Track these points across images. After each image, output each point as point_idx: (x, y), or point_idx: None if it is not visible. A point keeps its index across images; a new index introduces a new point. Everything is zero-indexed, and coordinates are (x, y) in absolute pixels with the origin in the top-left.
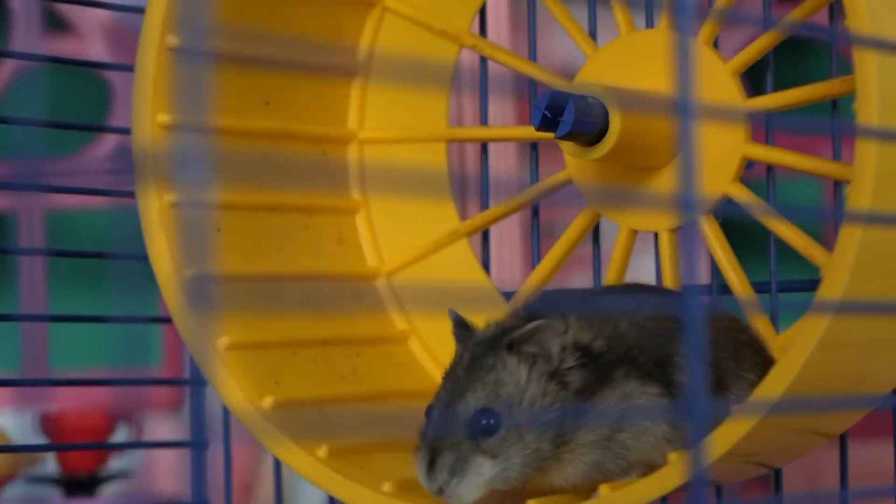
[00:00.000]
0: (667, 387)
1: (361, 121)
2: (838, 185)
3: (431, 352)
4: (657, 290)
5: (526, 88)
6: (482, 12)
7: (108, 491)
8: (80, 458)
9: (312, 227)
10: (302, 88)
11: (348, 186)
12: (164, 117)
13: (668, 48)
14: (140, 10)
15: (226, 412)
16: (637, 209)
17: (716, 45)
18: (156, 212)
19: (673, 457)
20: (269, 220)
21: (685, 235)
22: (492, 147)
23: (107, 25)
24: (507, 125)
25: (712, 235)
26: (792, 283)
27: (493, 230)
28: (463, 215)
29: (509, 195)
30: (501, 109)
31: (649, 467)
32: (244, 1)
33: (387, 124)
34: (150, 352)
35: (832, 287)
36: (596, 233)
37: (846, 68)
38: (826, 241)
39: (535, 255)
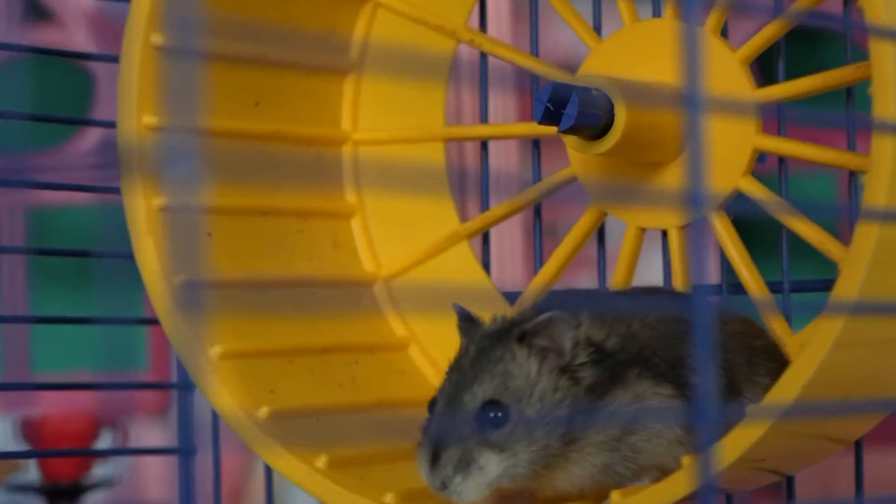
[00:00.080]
0: (680, 389)
1: (355, 121)
2: (854, 176)
3: (432, 359)
4: (669, 294)
5: (527, 83)
6: (482, 4)
7: (92, 499)
8: (63, 466)
9: (306, 231)
10: (293, 88)
11: (343, 188)
12: (150, 119)
13: (674, 38)
14: None
15: (215, 417)
16: (644, 206)
17: (724, 33)
18: (143, 216)
19: (686, 461)
20: (261, 225)
21: (694, 233)
22: (492, 144)
23: (90, 14)
24: (507, 121)
25: (723, 232)
26: (805, 283)
27: (493, 230)
28: (462, 215)
29: (511, 194)
30: (502, 105)
31: (661, 472)
32: None
33: (382, 124)
34: (135, 354)
35: (848, 286)
36: (601, 232)
37: (861, 54)
38: (843, 235)
39: (537, 256)
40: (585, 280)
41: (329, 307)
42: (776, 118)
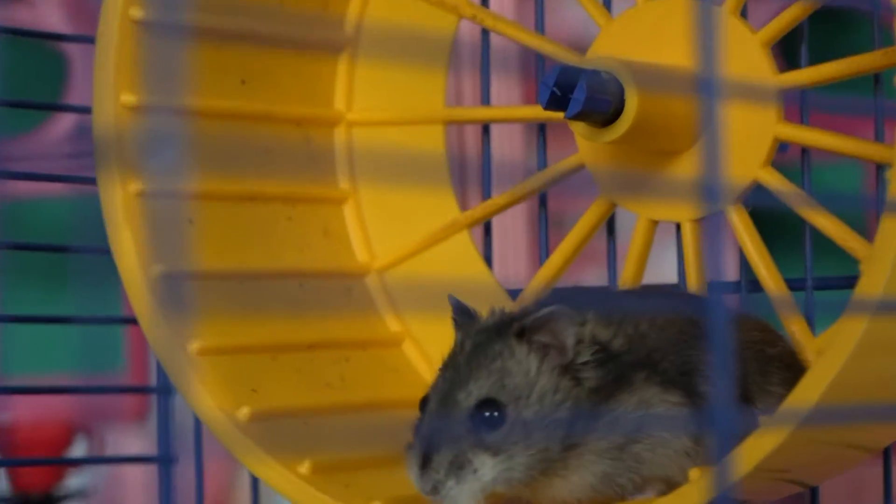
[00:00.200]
0: (689, 396)
1: (349, 101)
2: (881, 169)
3: (428, 356)
4: (682, 294)
5: (532, 64)
6: None
7: None
8: (35, 475)
9: (296, 218)
10: (283, 65)
11: (335, 173)
12: (128, 97)
13: (690, 18)
14: None
15: (197, 423)
16: (657, 198)
17: (744, 14)
18: (119, 203)
19: (694, 473)
20: (247, 212)
21: (710, 227)
22: (495, 129)
23: None
24: (511, 105)
25: (741, 226)
26: (830, 280)
27: (496, 221)
28: (463, 205)
29: (514, 182)
30: (505, 89)
31: (667, 484)
32: None
33: (378, 104)
34: (113, 356)
35: (871, 284)
36: (611, 224)
37: (890, 39)
38: (869, 232)
39: (542, 249)
40: (594, 276)
41: (318, 300)
42: (798, 105)
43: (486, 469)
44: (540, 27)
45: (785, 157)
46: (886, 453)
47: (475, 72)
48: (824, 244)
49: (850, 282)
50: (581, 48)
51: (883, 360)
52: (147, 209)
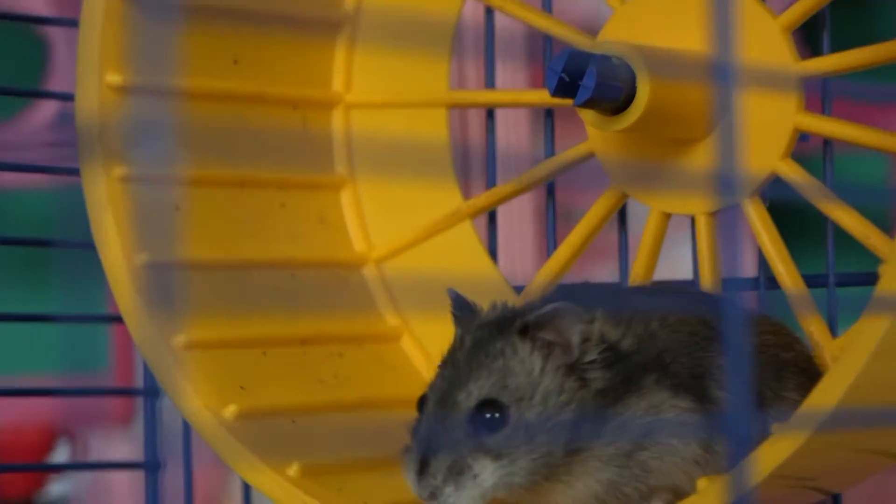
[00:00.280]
0: (700, 402)
1: (348, 82)
2: None
3: (427, 353)
4: (696, 293)
5: (540, 47)
6: None
7: None
8: (15, 481)
9: (289, 205)
10: (277, 44)
11: (332, 158)
12: (114, 77)
13: (706, 1)
14: None
15: (186, 427)
16: (670, 189)
17: None
18: (103, 189)
19: (702, 483)
20: (237, 198)
21: (726, 220)
22: (500, 115)
23: None
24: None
25: (758, 220)
26: (854, 276)
27: (501, 212)
28: (466, 195)
29: (520, 171)
30: (511, 74)
31: (674, 494)
32: None
33: (378, 86)
34: (97, 356)
35: (893, 281)
36: (622, 216)
37: None
38: (894, 228)
39: (550, 241)
40: (604, 270)
41: (312, 292)
42: (820, 94)
43: (487, 474)
44: (548, 8)
45: (807, 146)
46: None
47: (479, 58)
48: (848, 237)
49: (874, 278)
50: (592, 31)
51: None
52: (132, 195)
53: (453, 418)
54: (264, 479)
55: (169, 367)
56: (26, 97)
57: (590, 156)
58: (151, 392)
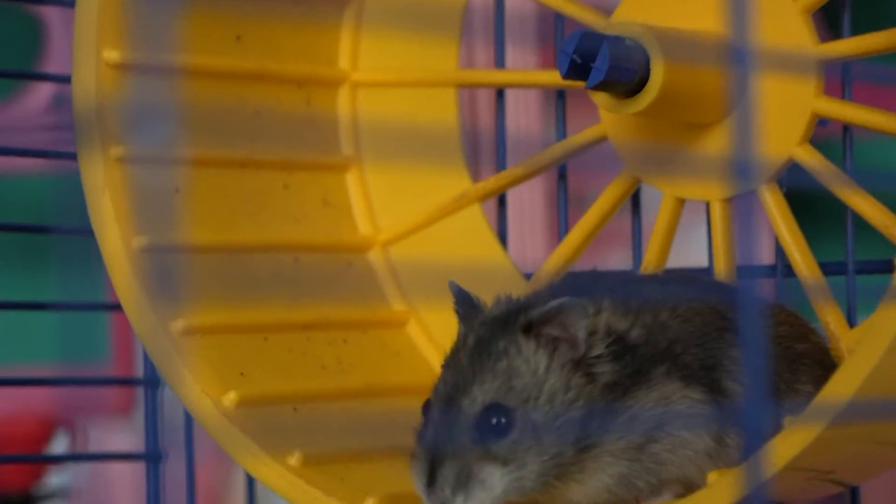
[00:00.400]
0: (712, 393)
1: (354, 60)
2: None
3: (434, 339)
4: (709, 282)
5: (551, 28)
6: None
7: None
8: (12, 473)
9: (293, 186)
10: (282, 21)
11: (338, 139)
12: (111, 54)
13: None
14: None
15: (187, 417)
16: (684, 174)
17: None
18: (100, 170)
19: (712, 476)
20: (239, 179)
21: (742, 207)
22: (510, 97)
23: None
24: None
25: (774, 207)
26: (874, 264)
27: (511, 196)
28: (475, 177)
29: (531, 154)
30: (521, 55)
31: (686, 487)
32: None
33: (385, 65)
34: (96, 345)
35: None
36: (636, 202)
37: None
38: None
39: (561, 226)
40: (617, 256)
41: (315, 276)
42: (840, 78)
43: (495, 480)
44: None
45: (824, 133)
46: None
47: (489, 41)
48: (867, 223)
49: (893, 266)
50: (605, 11)
51: None
52: (130, 176)
53: (459, 425)
54: (265, 468)
55: (167, 353)
56: (21, 79)
57: (602, 139)
58: (152, 382)
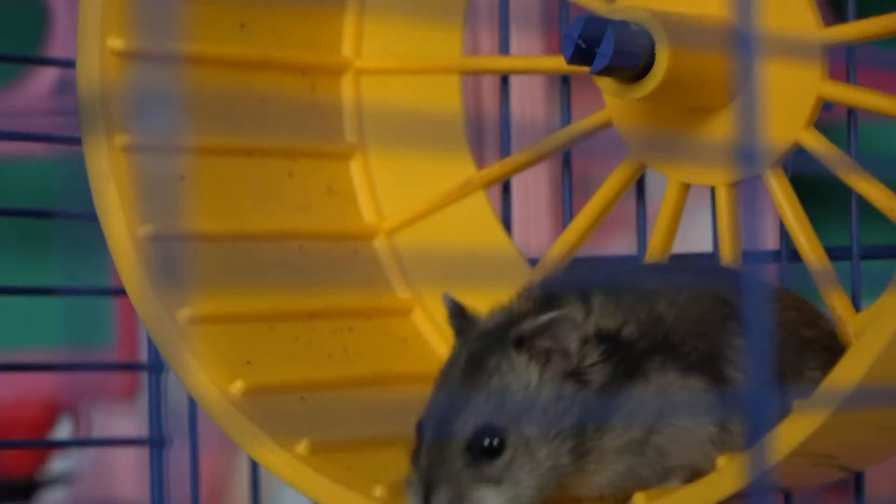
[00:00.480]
0: (714, 382)
1: (358, 48)
2: None
3: (440, 326)
4: (709, 268)
5: (556, 13)
6: None
7: (50, 497)
8: (16, 458)
9: (297, 174)
10: (286, 8)
11: (342, 126)
12: (116, 42)
13: None
14: None
15: (192, 402)
16: (689, 159)
17: None
18: (105, 158)
19: (721, 461)
20: (244, 167)
21: (747, 192)
22: (514, 83)
23: None
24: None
25: (779, 192)
26: (877, 249)
27: (516, 184)
28: (480, 164)
29: (535, 140)
30: (526, 41)
31: (692, 471)
32: None
33: (389, 51)
34: (100, 330)
35: None
36: (640, 187)
37: None
38: None
39: (566, 212)
40: (622, 242)
41: (320, 264)
42: (845, 62)
43: (489, 502)
44: None
45: (829, 117)
46: None
47: (493, 27)
48: (873, 208)
49: None
50: None
51: None
52: (135, 164)
53: (451, 448)
54: (272, 456)
55: (173, 342)
56: (26, 64)
57: (607, 125)
58: (156, 367)
